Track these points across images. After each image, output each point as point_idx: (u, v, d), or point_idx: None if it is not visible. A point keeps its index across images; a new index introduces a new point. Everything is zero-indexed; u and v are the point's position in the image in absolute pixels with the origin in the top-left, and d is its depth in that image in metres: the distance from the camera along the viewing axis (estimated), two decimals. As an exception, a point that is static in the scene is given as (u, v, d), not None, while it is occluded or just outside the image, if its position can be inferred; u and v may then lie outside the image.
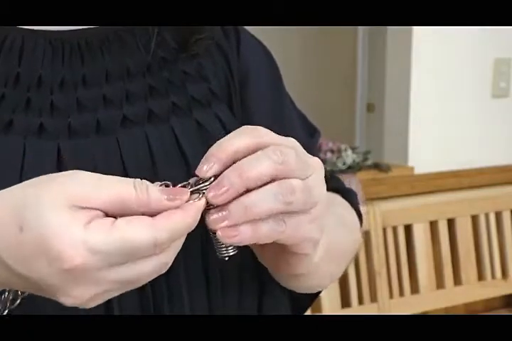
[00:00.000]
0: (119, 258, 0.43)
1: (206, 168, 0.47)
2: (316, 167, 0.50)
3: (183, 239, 0.47)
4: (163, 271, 0.47)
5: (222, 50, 0.67)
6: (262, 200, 0.46)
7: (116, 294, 0.47)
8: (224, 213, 0.46)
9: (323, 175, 0.51)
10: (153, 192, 0.45)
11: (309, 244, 0.51)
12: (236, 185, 0.46)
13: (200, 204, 0.46)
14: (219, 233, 0.47)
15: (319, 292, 0.73)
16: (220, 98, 0.65)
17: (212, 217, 0.47)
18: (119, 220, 0.44)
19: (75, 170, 0.46)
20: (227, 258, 0.50)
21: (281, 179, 0.47)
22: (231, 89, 0.66)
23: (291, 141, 0.50)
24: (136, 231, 0.43)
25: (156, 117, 0.61)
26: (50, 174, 0.46)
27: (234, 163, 0.47)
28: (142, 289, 0.58)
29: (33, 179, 0.46)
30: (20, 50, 0.61)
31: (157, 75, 0.63)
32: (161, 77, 0.63)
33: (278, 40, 2.77)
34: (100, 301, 0.46)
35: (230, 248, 0.49)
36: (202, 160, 0.47)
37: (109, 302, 0.57)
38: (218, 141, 0.48)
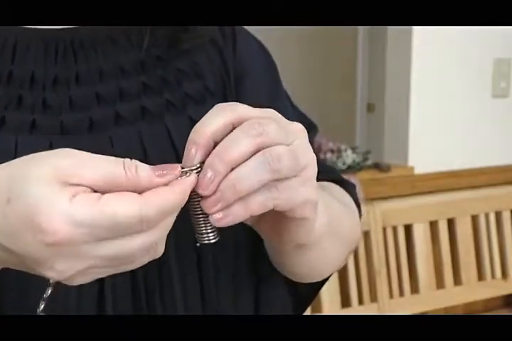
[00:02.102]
0: (105, 232, 0.43)
1: (190, 158, 0.47)
2: (298, 132, 0.50)
3: (172, 218, 0.46)
4: (154, 254, 0.46)
5: (217, 46, 0.67)
6: (250, 174, 0.46)
7: (104, 273, 0.46)
8: (215, 197, 0.46)
9: (307, 140, 0.51)
10: (142, 169, 0.45)
11: (307, 206, 0.51)
12: (221, 171, 0.46)
13: (189, 180, 0.46)
14: (213, 217, 0.47)
15: (319, 287, 0.73)
16: (215, 95, 0.65)
17: (205, 204, 0.47)
18: (106, 195, 0.43)
19: (66, 149, 0.46)
20: (207, 242, 0.50)
21: (264, 149, 0.47)
22: (226, 85, 0.66)
23: (270, 111, 0.50)
24: (122, 204, 0.43)
25: (149, 115, 0.62)
26: (44, 152, 0.46)
27: (215, 143, 0.47)
28: (135, 281, 0.58)
29: (28, 155, 0.46)
30: (14, 47, 0.61)
31: (151, 73, 0.63)
32: (155, 75, 0.63)
33: (278, 40, 2.77)
34: (89, 279, 0.46)
35: (210, 234, 0.49)
36: (185, 150, 0.47)
37: (101, 294, 0.57)
38: (195, 126, 0.48)
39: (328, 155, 2.12)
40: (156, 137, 0.61)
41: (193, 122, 0.62)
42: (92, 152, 0.57)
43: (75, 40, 0.62)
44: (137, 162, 0.45)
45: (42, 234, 0.42)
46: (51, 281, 0.47)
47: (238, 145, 0.46)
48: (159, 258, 0.59)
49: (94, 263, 0.44)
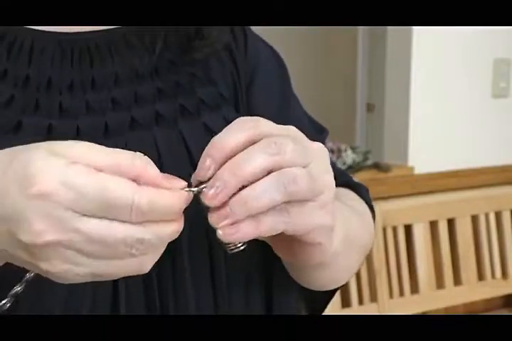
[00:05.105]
0: (91, 205, 0.41)
1: (204, 171, 0.46)
2: (317, 153, 0.48)
3: (167, 229, 0.44)
4: (139, 266, 0.44)
5: (229, 51, 0.67)
6: (263, 193, 0.45)
7: (82, 266, 0.43)
8: (224, 211, 0.45)
9: (328, 161, 0.49)
10: (152, 167, 0.44)
11: (321, 232, 0.50)
12: (230, 185, 0.45)
13: (190, 195, 0.45)
14: (219, 232, 0.46)
15: (335, 292, 0.73)
16: (229, 101, 0.65)
17: (213, 217, 0.46)
18: (106, 172, 0.42)
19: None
20: (236, 250, 0.48)
21: (280, 169, 0.45)
22: (237, 89, 0.66)
23: (292, 129, 0.49)
24: (118, 183, 0.42)
25: (164, 120, 0.61)
26: None
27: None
28: (149, 286, 0.58)
29: None
30: (30, 51, 0.61)
31: (165, 78, 0.63)
32: (169, 80, 0.63)
33: (278, 40, 2.76)
34: (65, 267, 0.43)
35: (238, 242, 0.48)
36: (199, 163, 0.47)
37: (115, 298, 0.57)
38: (213, 139, 0.47)
39: (328, 155, 2.12)
40: (170, 142, 0.61)
41: (208, 128, 0.62)
42: None
43: (90, 44, 0.62)
44: (149, 160, 0.45)
45: (29, 184, 0.41)
46: (26, 278, 0.47)
47: (252, 161, 0.45)
48: (173, 262, 0.58)
49: (74, 238, 0.42)
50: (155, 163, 0.59)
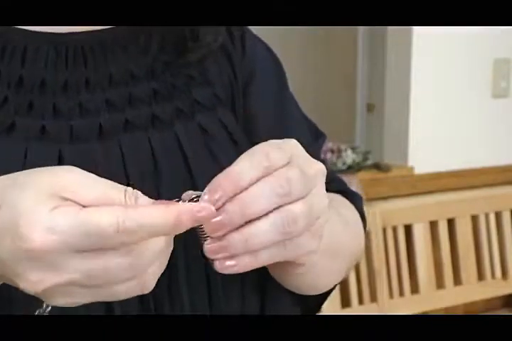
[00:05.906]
0: (81, 241, 0.41)
1: (213, 199, 0.45)
2: (317, 178, 0.49)
3: (160, 246, 0.44)
4: (142, 285, 0.44)
5: (226, 51, 0.67)
6: (263, 232, 0.46)
7: (86, 296, 0.44)
8: (223, 243, 0.46)
9: (324, 183, 0.50)
10: (143, 200, 0.44)
11: (306, 257, 0.51)
12: (235, 221, 0.45)
13: (182, 206, 0.43)
14: (216, 264, 0.46)
15: (326, 295, 0.73)
16: (224, 102, 0.65)
17: (210, 246, 0.46)
18: (90, 207, 0.42)
19: (72, 166, 0.45)
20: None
21: (282, 206, 0.46)
22: (234, 91, 0.66)
23: (294, 149, 0.49)
24: (101, 213, 0.41)
25: (159, 122, 0.61)
26: (50, 166, 0.46)
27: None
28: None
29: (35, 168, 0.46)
30: (24, 52, 0.60)
31: (161, 79, 0.63)
32: (165, 81, 0.63)
33: (278, 40, 2.76)
34: (70, 300, 0.44)
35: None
36: (209, 189, 0.46)
37: (109, 304, 0.57)
38: (227, 170, 0.46)
39: (328, 155, 2.12)
40: (165, 144, 0.60)
41: (202, 129, 0.62)
42: (101, 159, 0.57)
43: (84, 44, 0.62)
44: (139, 193, 0.44)
45: (19, 240, 0.41)
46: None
47: (262, 202, 0.45)
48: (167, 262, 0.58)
49: (72, 278, 0.42)
50: (150, 165, 0.59)
